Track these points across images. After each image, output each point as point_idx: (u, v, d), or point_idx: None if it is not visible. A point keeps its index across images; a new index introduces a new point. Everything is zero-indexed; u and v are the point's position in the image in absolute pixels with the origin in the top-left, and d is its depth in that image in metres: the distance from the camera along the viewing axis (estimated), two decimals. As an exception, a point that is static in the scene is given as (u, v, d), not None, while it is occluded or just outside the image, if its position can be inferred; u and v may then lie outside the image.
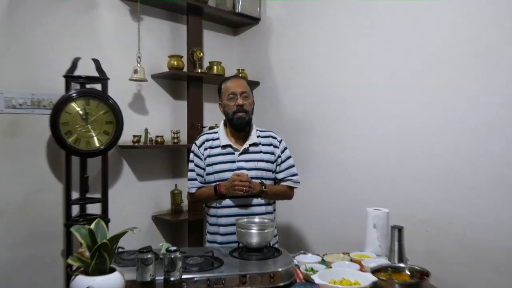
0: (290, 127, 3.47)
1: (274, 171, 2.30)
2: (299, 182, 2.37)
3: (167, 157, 3.49)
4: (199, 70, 3.44)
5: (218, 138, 2.28)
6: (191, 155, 2.31)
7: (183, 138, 3.47)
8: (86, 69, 2.76)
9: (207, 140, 2.29)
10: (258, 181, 2.20)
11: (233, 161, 2.22)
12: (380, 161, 2.88)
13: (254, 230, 1.87)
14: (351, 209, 3.03)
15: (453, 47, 2.53)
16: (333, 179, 3.18)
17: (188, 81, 3.45)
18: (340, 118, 3.13)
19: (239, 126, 2.23)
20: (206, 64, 3.64)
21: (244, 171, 2.18)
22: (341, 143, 3.12)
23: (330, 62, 3.20)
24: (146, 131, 3.21)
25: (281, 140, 2.37)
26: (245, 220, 2.00)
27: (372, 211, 2.13)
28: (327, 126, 3.22)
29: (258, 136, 2.31)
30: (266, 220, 2.01)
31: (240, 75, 3.71)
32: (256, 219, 2.03)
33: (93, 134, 2.71)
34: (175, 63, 3.29)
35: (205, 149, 2.27)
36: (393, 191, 2.81)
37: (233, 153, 2.24)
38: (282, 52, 3.57)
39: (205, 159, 2.25)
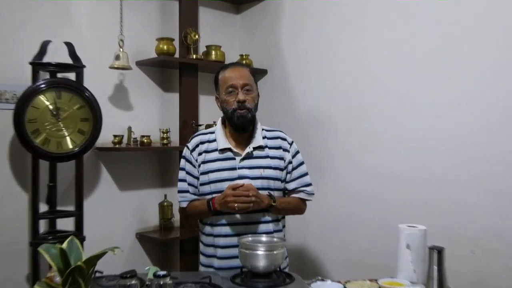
0: (304, 125, 3.45)
1: (284, 180, 2.28)
2: (313, 194, 2.34)
3: (155, 162, 3.49)
4: (194, 56, 3.44)
5: (215, 140, 2.25)
6: (182, 161, 2.29)
7: (175, 139, 3.46)
8: (57, 54, 2.75)
9: (202, 143, 2.27)
10: (265, 192, 2.17)
11: (234, 168, 2.19)
12: (417, 167, 2.86)
13: (261, 251, 1.84)
14: (380, 226, 3.01)
15: None
16: (357, 189, 3.16)
17: (180, 70, 3.45)
18: (367, 114, 3.12)
19: (241, 126, 2.21)
20: (202, 48, 3.63)
21: (247, 181, 2.15)
22: (368, 145, 3.11)
23: (356, 45, 3.18)
24: (130, 130, 3.21)
25: (292, 142, 2.35)
26: (250, 239, 1.98)
27: (405, 229, 2.12)
28: (351, 124, 3.20)
29: (264, 137, 2.28)
30: (275, 239, 2.00)
31: (244, 61, 3.71)
32: (263, 238, 2.01)
33: (66, 134, 2.70)
34: (165, 47, 3.29)
35: (199, 153, 2.25)
36: (432, 204, 2.78)
37: (234, 159, 2.21)
38: (295, 33, 3.56)
39: (199, 166, 2.24)
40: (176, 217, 3.43)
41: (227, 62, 3.63)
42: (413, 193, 2.87)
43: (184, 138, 3.40)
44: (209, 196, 2.19)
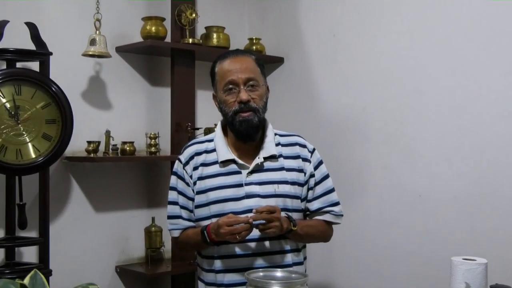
0: (329, 129, 3.48)
1: (304, 199, 2.31)
2: (342, 215, 2.35)
3: (140, 176, 3.53)
4: (190, 40, 3.47)
5: (214, 150, 2.28)
6: (173, 178, 2.31)
7: (165, 146, 3.50)
8: (16, 38, 2.80)
9: (198, 154, 2.28)
10: (284, 214, 2.18)
11: (240, 185, 2.21)
12: (476, 188, 2.87)
13: (274, 290, 1.87)
14: (428, 258, 3.02)
15: None
16: (397, 214, 3.17)
17: (172, 57, 3.49)
18: (413, 118, 3.12)
19: (244, 134, 2.21)
20: (200, 30, 3.68)
21: (258, 202, 2.17)
22: (415, 156, 3.12)
23: (400, 28, 3.20)
24: (108, 134, 3.24)
25: (314, 150, 2.36)
26: (261, 274, 1.99)
27: (461, 262, 2.10)
28: (390, 130, 3.22)
29: (277, 144, 2.30)
30: (294, 275, 2.01)
31: (254, 47, 3.74)
32: (279, 273, 2.02)
33: (27, 139, 2.74)
34: (153, 29, 3.33)
35: (195, 168, 2.26)
36: (494, 233, 2.79)
37: (239, 173, 2.22)
38: (320, 11, 3.58)
39: (194, 183, 2.25)
40: (167, 246, 3.46)
41: (232, 47, 3.63)
42: (471, 219, 2.87)
43: (177, 145, 3.40)
44: (207, 222, 2.19)
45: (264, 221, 2.05)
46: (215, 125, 3.41)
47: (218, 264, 2.20)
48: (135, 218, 3.47)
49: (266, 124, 2.30)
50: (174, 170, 2.31)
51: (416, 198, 3.10)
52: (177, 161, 2.31)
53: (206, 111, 3.66)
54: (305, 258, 2.33)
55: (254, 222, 2.05)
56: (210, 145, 2.29)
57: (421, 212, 3.08)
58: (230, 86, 2.19)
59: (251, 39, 3.80)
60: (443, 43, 3.00)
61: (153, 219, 3.43)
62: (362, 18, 3.37)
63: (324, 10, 3.56)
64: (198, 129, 3.51)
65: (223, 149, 2.24)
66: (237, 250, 2.17)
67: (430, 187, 3.05)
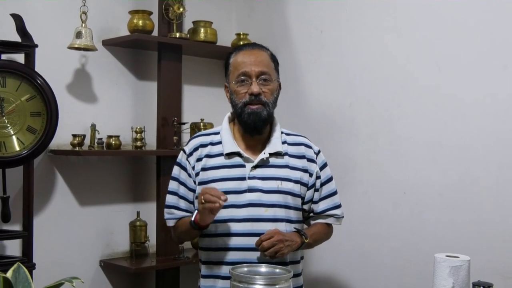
0: (317, 125, 3.48)
1: (310, 200, 2.33)
2: (343, 217, 2.42)
3: (126, 170, 3.51)
4: (177, 35, 3.46)
5: (220, 143, 2.29)
6: (175, 168, 2.33)
7: (151, 141, 3.49)
8: (1, 30, 2.78)
9: (203, 146, 2.30)
10: (285, 226, 2.21)
11: (243, 178, 2.23)
12: (460, 185, 2.88)
13: (259, 286, 1.87)
14: (412, 255, 3.03)
15: None
16: (385, 209, 3.18)
17: (159, 51, 3.48)
18: (400, 114, 3.13)
19: (252, 126, 2.23)
20: (188, 25, 3.66)
21: (259, 196, 2.19)
22: (400, 153, 3.12)
23: (387, 24, 3.19)
24: (94, 128, 3.23)
25: (319, 152, 2.40)
26: (246, 269, 2.00)
27: (444, 259, 2.11)
28: (378, 126, 3.22)
29: (284, 142, 2.32)
30: (277, 270, 2.00)
31: (241, 43, 3.72)
32: (263, 268, 2.02)
33: (11, 132, 2.73)
34: (140, 23, 3.32)
35: (198, 159, 2.28)
36: (477, 230, 2.80)
37: (243, 166, 2.24)
38: (308, 7, 3.58)
39: (197, 174, 2.26)
40: (152, 241, 3.45)
41: (219, 42, 3.66)
42: (456, 216, 2.88)
43: (163, 140, 3.42)
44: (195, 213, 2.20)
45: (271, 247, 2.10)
46: (201, 120, 3.48)
47: (211, 255, 2.24)
48: (120, 212, 3.46)
49: (274, 120, 2.34)
50: (177, 160, 2.33)
51: (401, 195, 3.11)
52: (181, 152, 2.34)
53: (193, 106, 3.67)
54: (302, 257, 2.39)
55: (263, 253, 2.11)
56: (215, 138, 2.31)
57: (405, 208, 3.09)
58: (243, 77, 2.23)
59: (238, 34, 3.79)
60: (429, 40, 3.00)
61: (138, 213, 3.43)
62: (350, 15, 3.36)
63: (311, 6, 3.56)
64: (184, 123, 3.50)
65: (229, 142, 2.27)
66: (233, 244, 2.20)
67: (415, 184, 3.05)
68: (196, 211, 2.15)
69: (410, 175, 3.08)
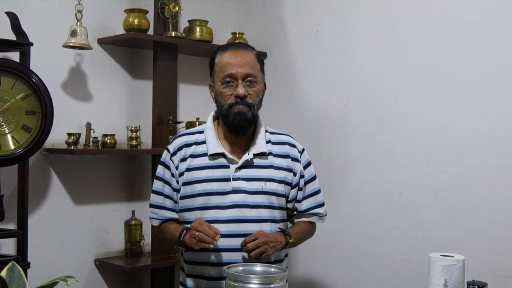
0: (311, 125, 3.48)
1: (293, 199, 2.32)
2: (326, 215, 2.41)
3: (121, 169, 3.51)
4: (173, 34, 3.46)
5: (204, 142, 2.28)
6: (160, 168, 2.32)
7: (146, 140, 3.48)
8: (-4, 28, 2.77)
9: (187, 145, 2.28)
10: (269, 226, 2.21)
11: (227, 179, 2.22)
12: (455, 185, 2.88)
13: (254, 285, 1.87)
14: (407, 255, 3.03)
15: None
16: (378, 211, 3.18)
17: (155, 50, 3.47)
18: (395, 115, 3.13)
19: (237, 126, 2.22)
20: (183, 24, 3.66)
21: (244, 197, 2.18)
22: (395, 153, 3.12)
23: (383, 25, 3.20)
24: (89, 127, 3.22)
25: (303, 150, 2.39)
26: (240, 268, 2.00)
27: (438, 258, 2.12)
28: (372, 127, 3.23)
29: (268, 142, 2.31)
30: (273, 269, 2.01)
31: (237, 41, 3.72)
32: (258, 268, 2.02)
33: (6, 131, 2.72)
34: (136, 21, 3.31)
35: (182, 159, 2.27)
36: (472, 230, 2.80)
37: (228, 167, 2.23)
38: (305, 6, 3.58)
39: (180, 174, 2.25)
40: (147, 240, 3.44)
41: (215, 41, 3.64)
42: (449, 215, 2.89)
43: (159, 138, 3.41)
44: (191, 214, 2.21)
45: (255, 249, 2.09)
46: (197, 119, 3.47)
47: (197, 256, 2.22)
48: (115, 211, 3.46)
49: (258, 120, 2.32)
50: (161, 159, 2.32)
51: (396, 195, 3.11)
52: (165, 151, 2.32)
53: (188, 105, 3.66)
54: (286, 255, 2.37)
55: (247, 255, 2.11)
56: (200, 137, 2.30)
57: (400, 208, 3.09)
58: (228, 79, 2.20)
59: (234, 34, 3.79)
60: (424, 41, 3.01)
61: (133, 212, 3.42)
62: (345, 14, 3.36)
63: (307, 5, 3.56)
64: (179, 122, 3.50)
65: (213, 142, 2.26)
66: (218, 245, 2.15)
67: (410, 184, 3.06)
68: (185, 231, 2.15)
69: (405, 175, 3.09)
